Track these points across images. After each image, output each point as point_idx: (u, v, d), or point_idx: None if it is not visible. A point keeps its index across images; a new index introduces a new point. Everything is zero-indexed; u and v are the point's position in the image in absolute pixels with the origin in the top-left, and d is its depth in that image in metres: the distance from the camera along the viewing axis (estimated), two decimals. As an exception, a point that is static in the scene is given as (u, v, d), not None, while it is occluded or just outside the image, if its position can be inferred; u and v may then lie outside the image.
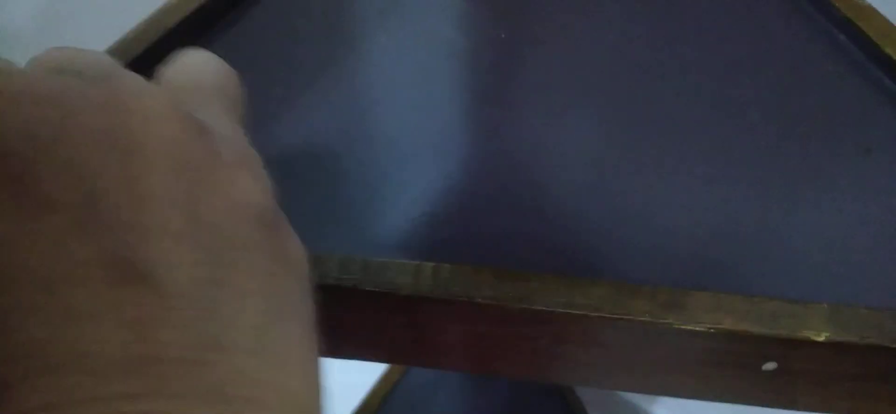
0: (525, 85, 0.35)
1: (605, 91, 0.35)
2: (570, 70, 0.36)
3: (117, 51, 0.34)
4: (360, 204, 0.30)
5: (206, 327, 0.15)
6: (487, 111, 0.34)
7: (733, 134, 0.33)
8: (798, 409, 0.28)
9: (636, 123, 0.33)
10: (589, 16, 0.38)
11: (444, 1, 0.39)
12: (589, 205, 0.30)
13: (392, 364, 0.87)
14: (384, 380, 0.91)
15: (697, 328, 0.26)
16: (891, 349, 0.25)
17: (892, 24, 0.36)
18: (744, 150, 0.32)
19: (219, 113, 0.21)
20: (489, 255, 0.28)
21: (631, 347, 0.27)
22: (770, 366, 0.27)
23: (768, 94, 0.35)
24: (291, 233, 0.20)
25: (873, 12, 0.37)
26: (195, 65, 0.23)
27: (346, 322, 0.29)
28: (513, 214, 0.29)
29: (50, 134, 0.15)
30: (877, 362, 0.26)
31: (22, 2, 0.53)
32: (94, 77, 0.17)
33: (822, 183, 0.31)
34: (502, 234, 0.29)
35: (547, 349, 0.28)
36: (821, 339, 0.25)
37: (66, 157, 0.14)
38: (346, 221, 0.29)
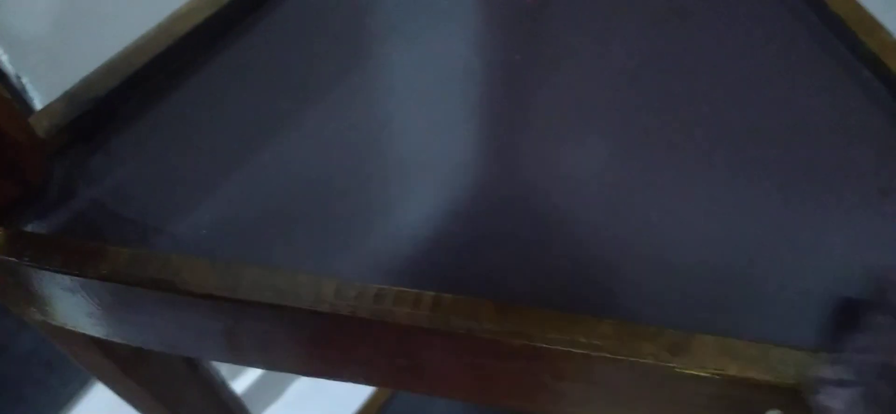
0: (538, 109, 0.35)
1: (618, 117, 0.34)
2: (584, 94, 0.35)
3: (125, 57, 0.33)
4: (363, 223, 0.29)
5: None
6: (499, 135, 0.33)
7: (748, 169, 0.32)
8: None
9: (649, 152, 0.33)
10: (604, 41, 0.38)
11: (460, 21, 0.39)
12: (597, 237, 0.29)
13: (390, 389, 0.86)
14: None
15: (702, 373, 0.25)
16: (901, 406, 0.24)
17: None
18: (758, 186, 0.31)
19: None
20: (492, 285, 0.27)
21: (632, 388, 0.27)
22: (773, 413, 0.26)
23: (786, 128, 0.34)
24: None
25: (901, 50, 0.36)
26: None
27: (343, 347, 0.29)
28: (518, 243, 0.29)
29: None
30: (886, 418, 0.25)
31: (36, 4, 0.53)
32: None
33: (836, 225, 0.30)
34: (507, 263, 0.28)
35: (546, 385, 0.28)
36: (829, 391, 0.25)
37: None
38: (348, 239, 0.29)
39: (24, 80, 0.55)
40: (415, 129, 0.34)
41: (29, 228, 0.29)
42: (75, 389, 0.98)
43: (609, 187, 0.31)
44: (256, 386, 1.00)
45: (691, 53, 0.38)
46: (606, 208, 0.30)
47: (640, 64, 0.37)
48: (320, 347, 0.29)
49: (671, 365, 0.25)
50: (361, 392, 0.90)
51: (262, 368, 0.89)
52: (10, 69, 0.54)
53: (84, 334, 0.32)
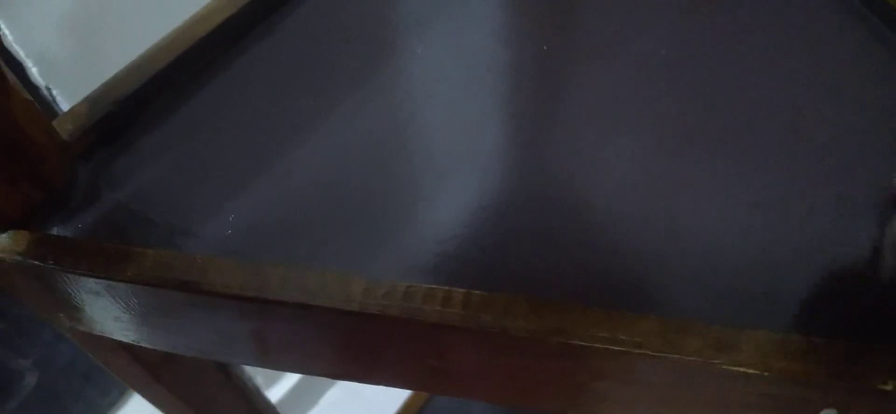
0: (568, 102, 0.34)
1: (653, 109, 0.33)
2: (616, 86, 0.34)
3: (148, 59, 0.33)
4: (391, 222, 0.29)
5: None
6: (528, 129, 0.32)
7: (793, 160, 0.30)
8: (860, 461, 0.26)
9: (688, 145, 0.31)
10: (637, 29, 0.36)
11: (485, 12, 0.38)
12: (635, 231, 0.28)
13: (420, 392, 0.85)
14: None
15: (751, 370, 0.24)
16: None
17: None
18: (804, 178, 0.30)
19: None
20: (525, 283, 0.26)
21: (676, 388, 0.25)
22: (828, 413, 0.25)
23: (834, 121, 0.32)
24: None
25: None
26: None
27: (373, 347, 0.28)
28: (552, 239, 0.28)
29: None
30: (953, 416, 0.23)
31: (64, 18, 0.53)
32: None
33: (888, 220, 0.28)
34: (540, 260, 0.27)
35: (585, 386, 0.26)
36: (888, 388, 0.23)
37: None
38: (375, 239, 0.28)
39: (54, 92, 0.55)
40: (441, 124, 0.33)
41: (54, 231, 0.28)
42: (114, 398, 0.99)
43: (645, 181, 0.30)
44: (292, 393, 1.00)
45: (728, 44, 0.36)
46: (643, 202, 0.29)
47: (674, 54, 0.35)
48: (349, 349, 0.28)
49: (717, 362, 0.24)
50: (396, 399, 0.90)
51: (292, 372, 0.89)
52: (39, 81, 0.54)
53: (112, 339, 0.32)
